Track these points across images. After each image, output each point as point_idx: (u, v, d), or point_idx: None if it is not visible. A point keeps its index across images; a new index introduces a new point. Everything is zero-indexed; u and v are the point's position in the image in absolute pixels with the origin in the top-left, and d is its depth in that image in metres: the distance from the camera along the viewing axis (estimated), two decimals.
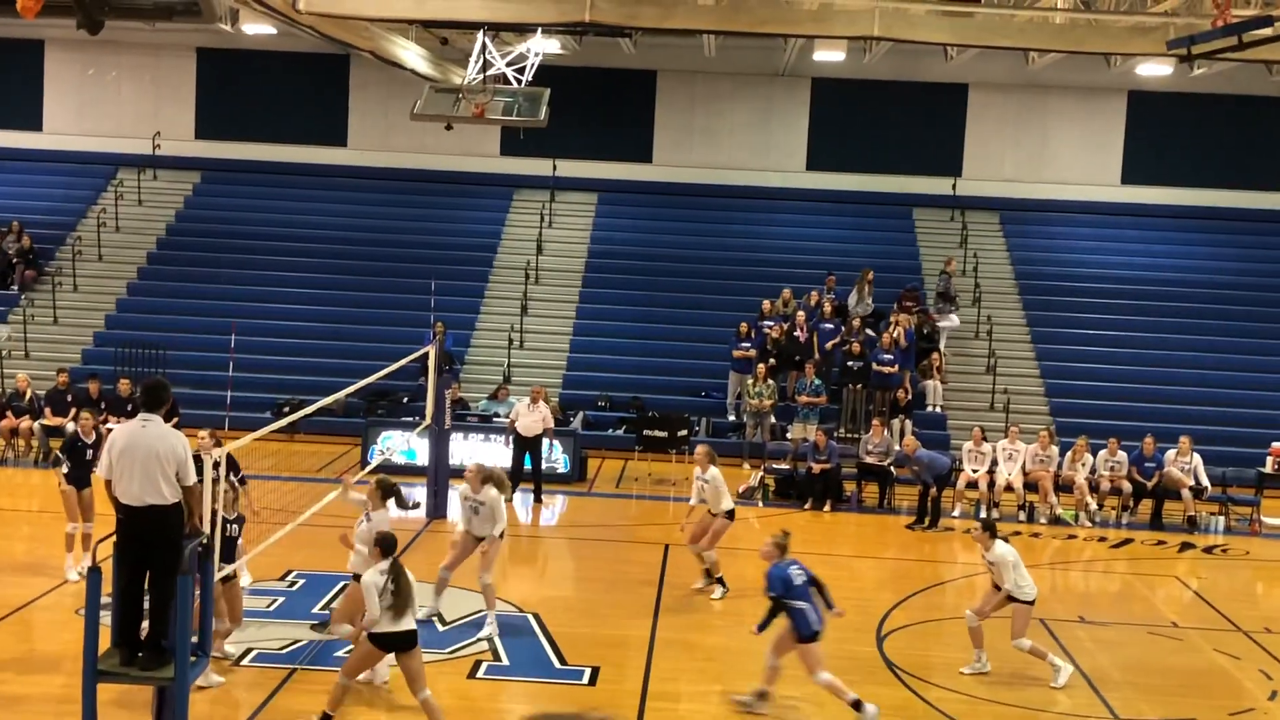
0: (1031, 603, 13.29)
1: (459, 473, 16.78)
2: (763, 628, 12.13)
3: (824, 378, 24.71)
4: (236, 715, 11.48)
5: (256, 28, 27.28)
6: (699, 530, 16.13)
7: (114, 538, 9.35)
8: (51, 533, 16.57)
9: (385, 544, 10.99)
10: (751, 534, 20.13)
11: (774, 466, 22.49)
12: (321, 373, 25.03)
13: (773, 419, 24.40)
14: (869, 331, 25.81)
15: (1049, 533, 20.78)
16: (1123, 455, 21.81)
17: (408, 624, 10.75)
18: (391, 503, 12.79)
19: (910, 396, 24.60)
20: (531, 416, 20.93)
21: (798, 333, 25.68)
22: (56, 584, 15.04)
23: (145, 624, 9.41)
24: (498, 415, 23.20)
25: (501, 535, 14.09)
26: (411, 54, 24.37)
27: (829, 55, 27.77)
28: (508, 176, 31.88)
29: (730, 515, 16.12)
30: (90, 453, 15.45)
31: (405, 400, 25.05)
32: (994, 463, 21.72)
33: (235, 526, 11.92)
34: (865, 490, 22.12)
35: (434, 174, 31.88)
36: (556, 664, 13.27)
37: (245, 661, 12.68)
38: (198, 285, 28.69)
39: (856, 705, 11.86)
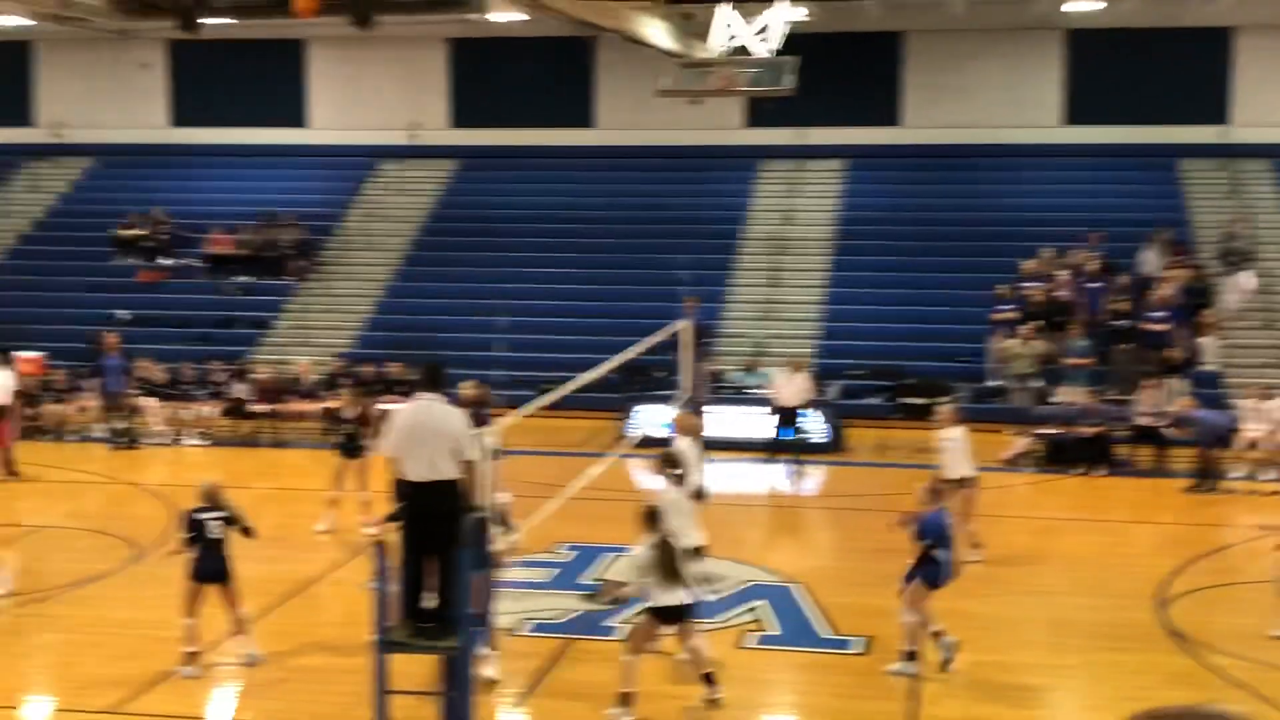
0: None
1: (715, 445, 16.90)
2: (910, 579, 11.93)
3: (1091, 338, 23.92)
4: (521, 682, 11.80)
5: (505, 15, 27.85)
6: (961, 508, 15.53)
7: (399, 514, 9.70)
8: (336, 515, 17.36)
9: (650, 517, 11.03)
10: (1020, 501, 19.74)
11: (1041, 431, 21.88)
12: (580, 350, 25.42)
13: (1038, 383, 23.74)
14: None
15: None
16: None
17: (681, 596, 10.83)
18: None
19: (1184, 355, 23.63)
20: (791, 387, 20.87)
21: (1062, 293, 24.91)
22: (343, 560, 15.75)
23: (430, 596, 9.74)
24: (752, 387, 23.24)
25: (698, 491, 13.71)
26: (656, 30, 24.50)
27: (1084, 5, 26.79)
28: (754, 148, 31.78)
29: (966, 482, 15.53)
30: (351, 427, 16.97)
31: (661, 375, 25.29)
32: (1277, 421, 20.67)
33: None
34: (1139, 453, 21.37)
35: (681, 149, 31.99)
36: (827, 633, 13.23)
37: (523, 631, 13.04)
38: (460, 269, 29.51)
39: (910, 656, 11.83)
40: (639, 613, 11.41)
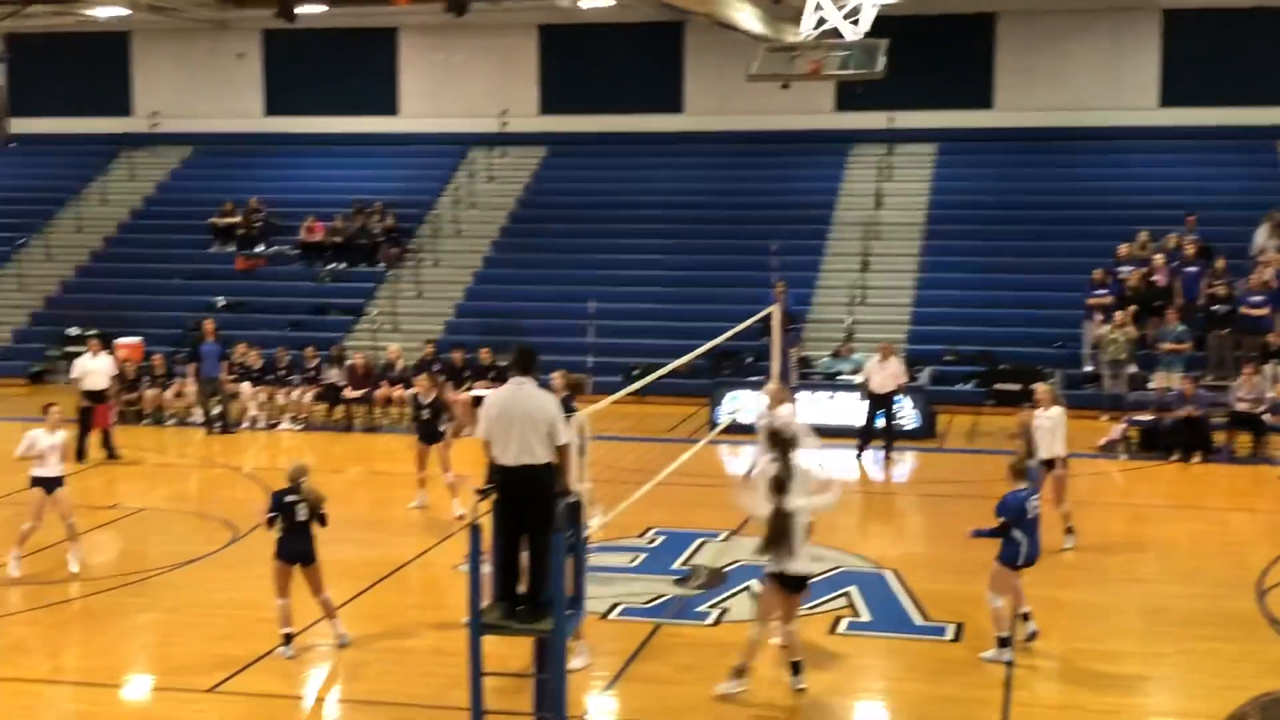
0: None
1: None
2: (979, 534, 12.00)
3: (1188, 323, 23.50)
4: (611, 666, 11.86)
5: (595, 0, 27.88)
6: (1052, 491, 15.36)
7: (489, 491, 9.73)
8: (427, 494, 17.56)
9: (775, 485, 10.99)
10: (1115, 488, 19.47)
11: (1136, 418, 21.54)
12: (668, 336, 25.47)
13: (1133, 368, 23.39)
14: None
15: None
16: None
17: (796, 567, 10.86)
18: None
19: None
20: (883, 373, 20.72)
21: (1157, 277, 24.51)
22: (434, 542, 15.91)
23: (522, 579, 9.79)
24: (841, 373, 23.12)
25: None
26: (746, 14, 24.36)
27: None
28: (844, 132, 31.56)
29: (1056, 463, 15.30)
30: (428, 411, 17.28)
31: (750, 361, 25.24)
32: None
33: None
34: (1236, 440, 20.98)
35: (769, 134, 31.83)
36: (918, 620, 13.15)
37: (612, 615, 13.10)
38: (549, 255, 29.60)
39: (1003, 642, 11.78)
40: (762, 580, 11.39)
